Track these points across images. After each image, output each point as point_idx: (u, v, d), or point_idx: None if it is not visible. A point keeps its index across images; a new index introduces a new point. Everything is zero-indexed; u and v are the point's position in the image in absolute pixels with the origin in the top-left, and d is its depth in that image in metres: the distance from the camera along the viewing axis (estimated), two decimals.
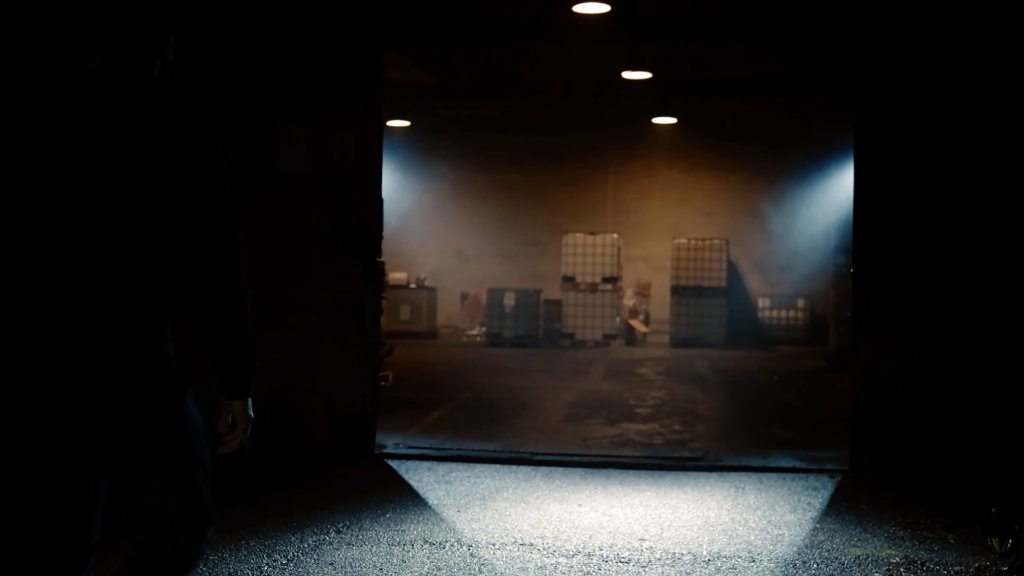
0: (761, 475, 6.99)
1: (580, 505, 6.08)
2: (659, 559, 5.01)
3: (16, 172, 2.58)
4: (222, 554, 4.90)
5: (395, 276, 18.55)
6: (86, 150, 2.56)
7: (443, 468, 7.04)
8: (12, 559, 2.67)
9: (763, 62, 13.87)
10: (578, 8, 9.33)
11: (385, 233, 7.64)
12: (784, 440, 8.44)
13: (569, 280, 18.76)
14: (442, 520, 5.70)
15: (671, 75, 14.25)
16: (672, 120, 17.56)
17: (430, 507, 5.99)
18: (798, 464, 7.31)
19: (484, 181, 21.37)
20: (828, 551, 5.21)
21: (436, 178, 21.37)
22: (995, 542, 5.06)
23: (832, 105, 15.28)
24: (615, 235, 19.15)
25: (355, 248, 7.36)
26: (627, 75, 13.34)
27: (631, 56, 12.92)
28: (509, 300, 18.36)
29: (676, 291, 19.12)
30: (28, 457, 2.61)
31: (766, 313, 20.29)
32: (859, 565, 4.97)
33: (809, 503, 6.22)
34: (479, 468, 7.06)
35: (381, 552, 5.06)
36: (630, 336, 19.12)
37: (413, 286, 19.48)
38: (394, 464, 7.15)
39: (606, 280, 18.67)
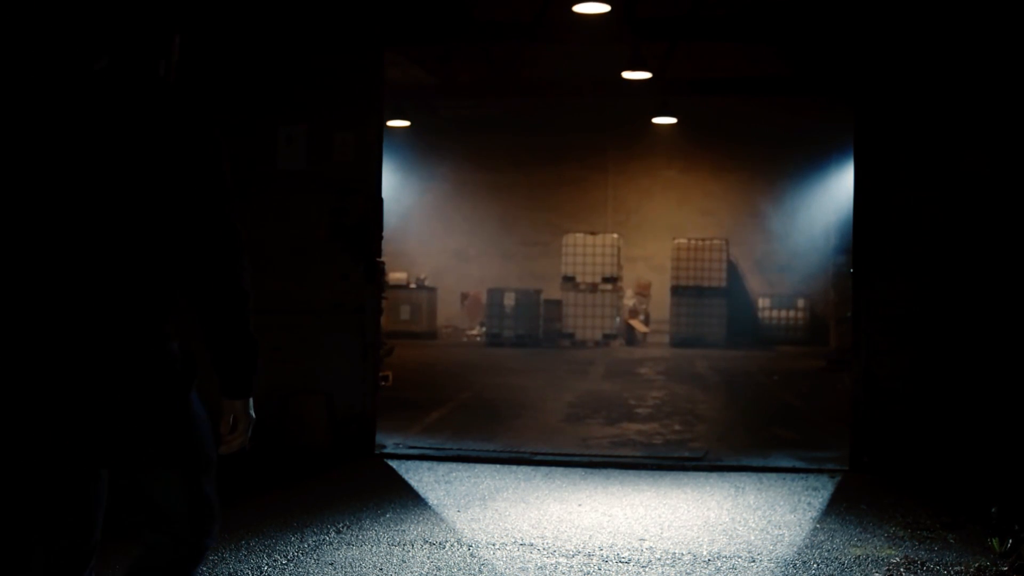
0: (761, 475, 6.99)
1: (580, 505, 6.08)
2: (659, 559, 5.02)
3: (22, 171, 2.59)
4: (222, 554, 4.90)
5: (395, 276, 18.55)
6: (91, 149, 2.57)
7: (443, 468, 7.04)
8: (12, 559, 2.67)
9: (763, 62, 13.87)
10: (578, 8, 9.33)
11: (385, 233, 7.64)
12: (784, 440, 8.44)
13: (569, 280, 18.76)
14: (442, 520, 5.70)
15: (671, 75, 14.26)
16: (672, 120, 17.56)
17: (430, 507, 5.99)
18: (798, 464, 7.31)
19: (484, 181, 21.37)
20: (828, 551, 5.21)
21: (436, 178, 21.36)
22: (995, 542, 5.06)
23: (832, 105, 15.28)
24: (615, 235, 19.15)
25: (355, 248, 7.36)
26: (627, 75, 13.33)
27: (631, 56, 12.92)
28: (509, 300, 18.36)
29: (676, 291, 19.12)
30: (34, 453, 2.62)
31: (766, 313, 20.29)
32: (859, 565, 4.97)
33: (809, 503, 6.22)
34: (479, 468, 7.06)
35: (381, 552, 5.06)
36: (630, 336, 19.12)
37: (413, 286, 19.48)
38: (394, 464, 7.15)
39: (606, 280, 18.67)
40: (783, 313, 20.18)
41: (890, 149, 6.98)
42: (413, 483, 6.60)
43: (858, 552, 5.19)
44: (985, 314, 6.84)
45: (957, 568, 4.91)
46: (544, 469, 7.09)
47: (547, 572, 4.79)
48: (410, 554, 5.04)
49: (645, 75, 13.34)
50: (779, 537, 5.46)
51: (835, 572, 4.87)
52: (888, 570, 4.89)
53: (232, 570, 4.73)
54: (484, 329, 18.99)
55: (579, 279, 18.70)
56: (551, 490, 6.48)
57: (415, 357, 14.87)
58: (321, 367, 7.42)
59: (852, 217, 7.14)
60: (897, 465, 6.89)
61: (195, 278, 2.66)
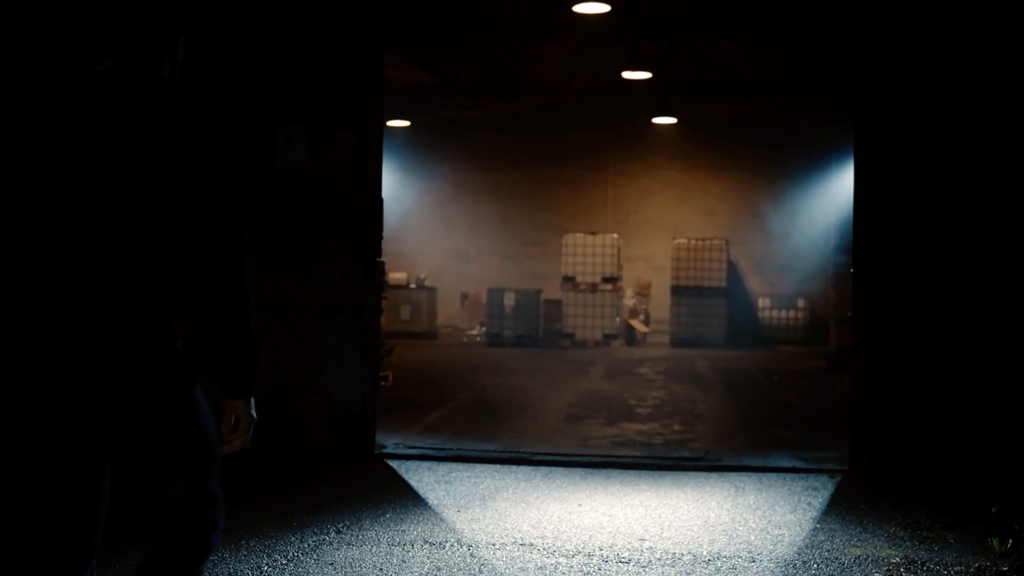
0: (761, 475, 6.99)
1: (580, 505, 6.08)
2: (659, 559, 5.02)
3: (26, 172, 2.60)
4: (222, 554, 4.90)
5: (395, 276, 18.55)
6: (95, 150, 2.58)
7: (443, 468, 7.04)
8: (14, 558, 2.68)
9: (763, 62, 13.86)
10: (578, 8, 9.33)
11: (385, 233, 7.64)
12: (784, 440, 8.44)
13: (569, 280, 18.77)
14: (442, 520, 5.70)
15: (671, 75, 14.26)
16: (672, 120, 17.56)
17: (430, 507, 5.99)
18: (798, 464, 7.31)
19: (484, 181, 21.37)
20: (828, 551, 5.21)
21: (436, 178, 21.37)
22: (995, 542, 5.06)
23: (832, 105, 15.28)
24: (615, 235, 19.15)
25: (355, 248, 7.36)
26: (627, 75, 13.34)
27: (631, 56, 12.92)
28: (509, 300, 18.36)
29: (676, 291, 19.12)
30: (39, 449, 2.64)
31: (766, 313, 20.29)
32: (859, 565, 4.97)
33: (809, 503, 6.22)
34: (479, 468, 7.06)
35: (381, 552, 5.06)
36: (630, 336, 19.12)
37: (413, 286, 19.48)
38: (394, 464, 7.15)
39: (606, 280, 18.67)
40: (783, 313, 20.18)
41: (890, 149, 6.98)
42: (413, 483, 6.60)
43: (858, 552, 5.20)
44: (985, 314, 6.84)
45: (957, 568, 4.91)
46: (544, 469, 7.09)
47: (547, 572, 4.79)
48: (410, 554, 5.04)
49: (645, 75, 13.35)
50: (779, 537, 5.46)
51: (835, 572, 4.87)
52: (888, 570, 4.89)
53: (232, 570, 4.73)
54: (484, 329, 18.99)
55: (579, 279, 18.71)
56: (551, 490, 6.48)
57: (415, 357, 14.87)
58: (321, 367, 7.42)
59: (852, 217, 7.14)
60: (897, 465, 6.89)
61: (198, 278, 2.67)
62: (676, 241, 19.43)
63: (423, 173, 21.13)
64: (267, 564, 4.83)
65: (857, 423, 7.05)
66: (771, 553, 5.15)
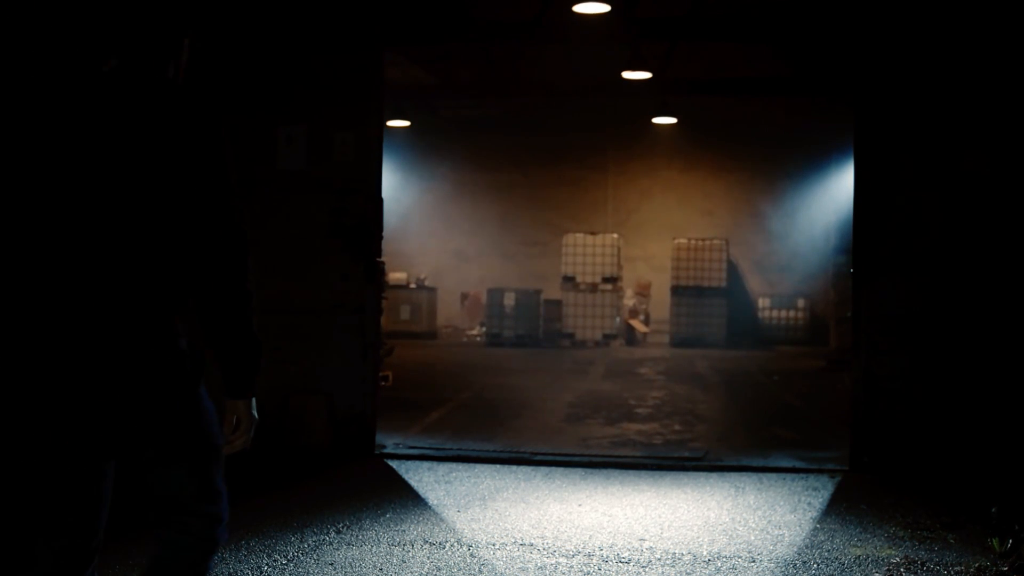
0: (761, 475, 6.99)
1: (580, 505, 6.08)
2: (659, 559, 5.01)
3: (32, 172, 2.61)
4: (222, 554, 4.90)
5: (395, 276, 18.55)
6: (100, 150, 2.59)
7: (443, 468, 7.04)
8: (17, 557, 2.68)
9: (763, 62, 13.86)
10: (578, 8, 9.32)
11: (385, 233, 7.64)
12: (784, 440, 8.44)
13: (569, 280, 18.77)
14: (442, 520, 5.70)
15: (671, 75, 14.25)
16: (672, 120, 17.56)
17: (430, 507, 5.99)
18: (798, 464, 7.31)
19: (484, 181, 21.37)
20: (828, 551, 5.21)
21: (436, 178, 21.36)
22: (995, 542, 5.06)
23: (832, 105, 15.28)
24: (615, 235, 19.15)
25: (355, 248, 7.36)
26: (627, 75, 13.33)
27: (631, 56, 12.92)
28: (509, 300, 18.36)
29: (676, 291, 19.12)
30: (44, 447, 2.65)
31: (766, 313, 20.29)
32: (859, 565, 4.97)
33: (809, 503, 6.22)
34: (479, 468, 7.06)
35: (381, 552, 5.06)
36: (630, 336, 19.12)
37: (413, 286, 19.48)
38: (394, 464, 7.15)
39: (606, 280, 18.67)
40: (783, 313, 20.18)
41: (890, 149, 6.98)
42: (413, 483, 6.60)
43: (858, 552, 5.19)
44: (985, 314, 6.84)
45: (957, 568, 4.91)
46: (544, 469, 7.09)
47: (547, 572, 4.79)
48: (410, 554, 5.04)
49: (645, 75, 13.35)
50: (779, 537, 5.46)
51: (835, 572, 4.87)
52: (888, 570, 4.89)
53: (232, 570, 4.73)
54: (484, 329, 18.99)
55: (579, 279, 18.71)
56: (551, 490, 6.48)
57: (415, 357, 14.87)
58: (321, 367, 7.42)
59: (852, 217, 7.14)
60: (897, 465, 6.89)
61: (200, 277, 2.68)
62: (676, 241, 19.43)
63: (423, 173, 21.13)
64: (267, 564, 4.83)
65: (857, 423, 7.05)
66: (771, 553, 5.15)
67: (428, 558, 4.97)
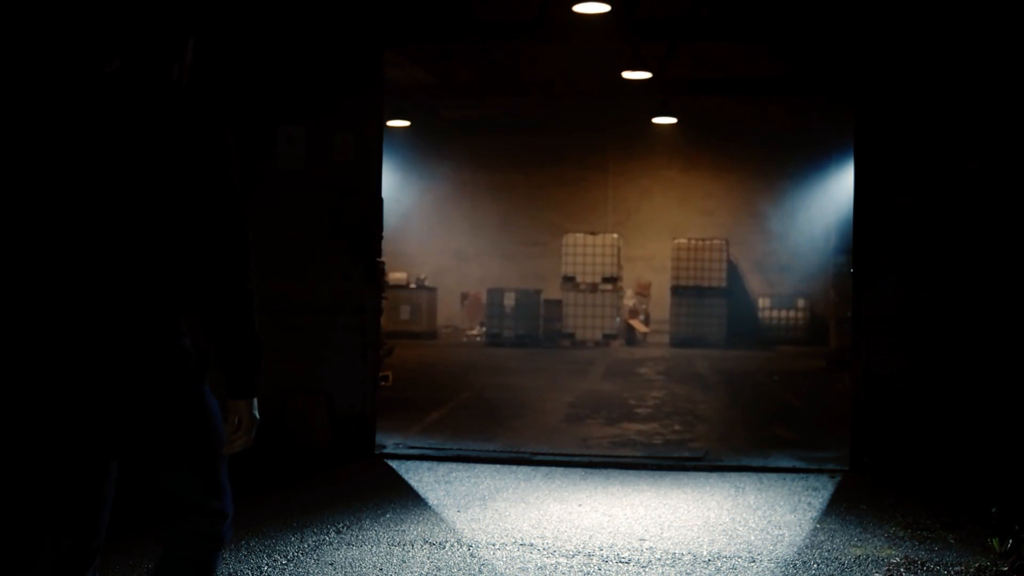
0: (761, 475, 6.99)
1: (580, 505, 6.08)
2: (659, 559, 5.02)
3: (35, 173, 2.61)
4: (222, 554, 4.90)
5: (395, 276, 18.55)
6: (103, 151, 2.60)
7: (443, 468, 7.04)
8: (19, 557, 2.68)
9: (763, 62, 13.86)
10: (578, 8, 9.32)
11: (385, 233, 7.64)
12: (784, 440, 8.44)
13: (569, 280, 18.77)
14: (442, 520, 5.70)
15: (671, 75, 14.25)
16: (672, 120, 17.56)
17: (430, 507, 5.99)
18: (798, 464, 7.31)
19: (484, 181, 21.37)
20: (828, 551, 5.21)
21: (436, 178, 21.36)
22: (995, 542, 5.06)
23: (832, 105, 15.28)
24: (615, 235, 19.15)
25: (355, 248, 7.36)
26: (627, 75, 13.33)
27: (631, 56, 12.91)
28: (509, 300, 18.36)
29: (676, 291, 19.12)
30: (48, 446, 2.66)
31: (766, 313, 20.29)
32: (859, 565, 4.97)
33: (809, 503, 6.22)
34: (479, 468, 7.06)
35: (381, 552, 5.06)
36: (630, 336, 19.12)
37: (413, 286, 19.47)
38: (394, 464, 7.15)
39: (606, 280, 18.67)
40: (783, 313, 20.18)
41: (890, 149, 6.98)
42: (413, 483, 6.60)
43: (858, 552, 5.20)
44: (985, 314, 6.84)
45: (957, 568, 4.91)
46: (544, 469, 7.09)
47: (547, 572, 4.79)
48: (410, 554, 5.04)
49: (645, 75, 13.34)
50: (779, 537, 5.46)
51: (835, 572, 4.87)
52: (888, 570, 4.89)
53: (232, 570, 4.73)
54: (484, 329, 18.99)
55: (579, 279, 18.70)
56: (551, 490, 6.48)
57: (415, 357, 14.87)
58: (321, 367, 7.42)
59: (852, 217, 7.14)
60: (897, 465, 6.89)
61: (203, 278, 2.69)
62: (676, 241, 19.43)
63: (423, 173, 21.12)
64: (267, 564, 4.83)
65: (857, 423, 7.05)
66: (771, 553, 5.15)
67: (428, 558, 4.97)
